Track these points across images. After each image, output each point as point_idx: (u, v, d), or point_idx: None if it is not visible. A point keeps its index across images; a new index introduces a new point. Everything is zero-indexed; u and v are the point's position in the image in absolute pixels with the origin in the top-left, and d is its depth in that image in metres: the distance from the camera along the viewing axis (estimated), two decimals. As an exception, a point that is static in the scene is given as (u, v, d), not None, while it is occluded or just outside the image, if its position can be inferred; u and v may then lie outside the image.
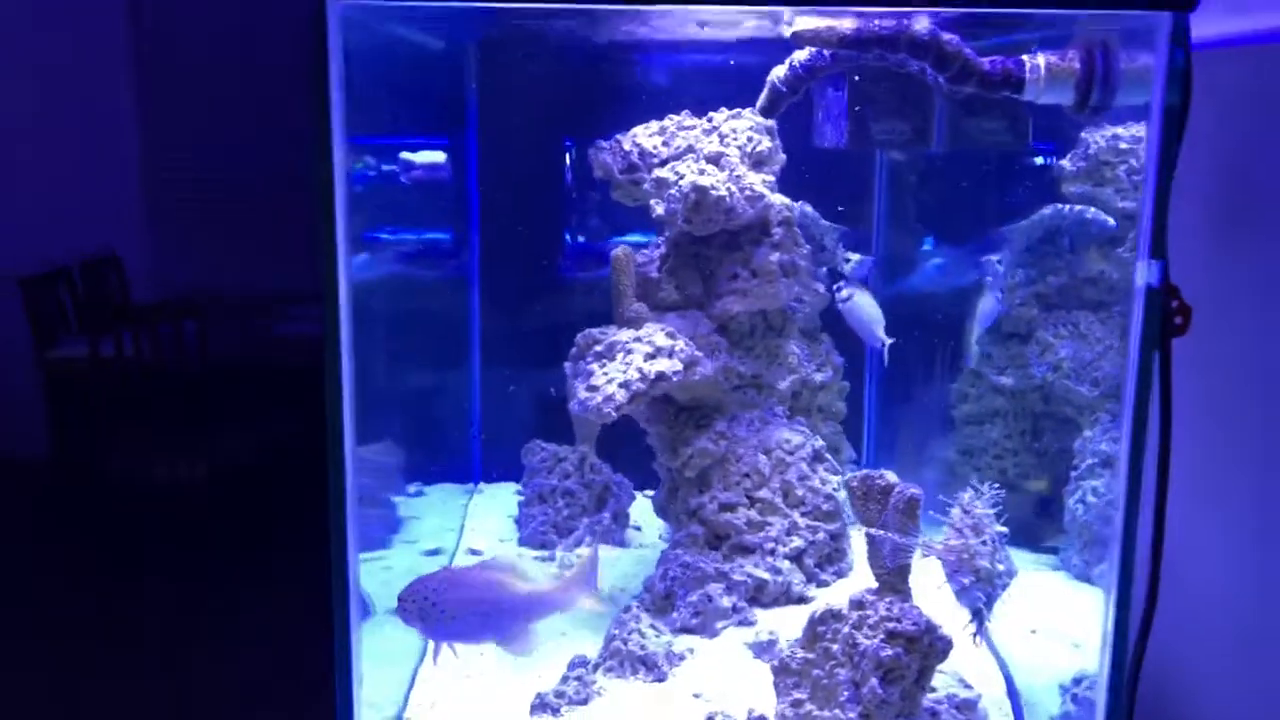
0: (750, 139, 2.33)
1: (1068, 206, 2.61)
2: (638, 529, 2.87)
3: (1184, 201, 1.67)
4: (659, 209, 2.28)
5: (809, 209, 2.70)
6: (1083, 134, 2.65)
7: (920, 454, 2.88)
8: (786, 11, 1.81)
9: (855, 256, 2.73)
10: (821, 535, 2.37)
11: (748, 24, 2.04)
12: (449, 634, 1.89)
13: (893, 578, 1.82)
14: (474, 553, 2.74)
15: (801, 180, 2.56)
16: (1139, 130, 2.63)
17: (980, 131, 2.52)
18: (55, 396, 5.83)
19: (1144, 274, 1.61)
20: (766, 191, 2.32)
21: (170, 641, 4.13)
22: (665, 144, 2.43)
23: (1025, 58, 1.89)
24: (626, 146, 2.47)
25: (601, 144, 2.51)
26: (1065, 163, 2.66)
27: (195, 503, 5.32)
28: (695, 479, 2.35)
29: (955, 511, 1.88)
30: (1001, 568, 1.96)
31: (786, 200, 2.44)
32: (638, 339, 2.20)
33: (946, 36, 1.82)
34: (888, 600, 1.81)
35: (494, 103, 2.97)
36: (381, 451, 2.59)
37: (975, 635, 1.87)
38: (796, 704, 1.83)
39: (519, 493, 2.90)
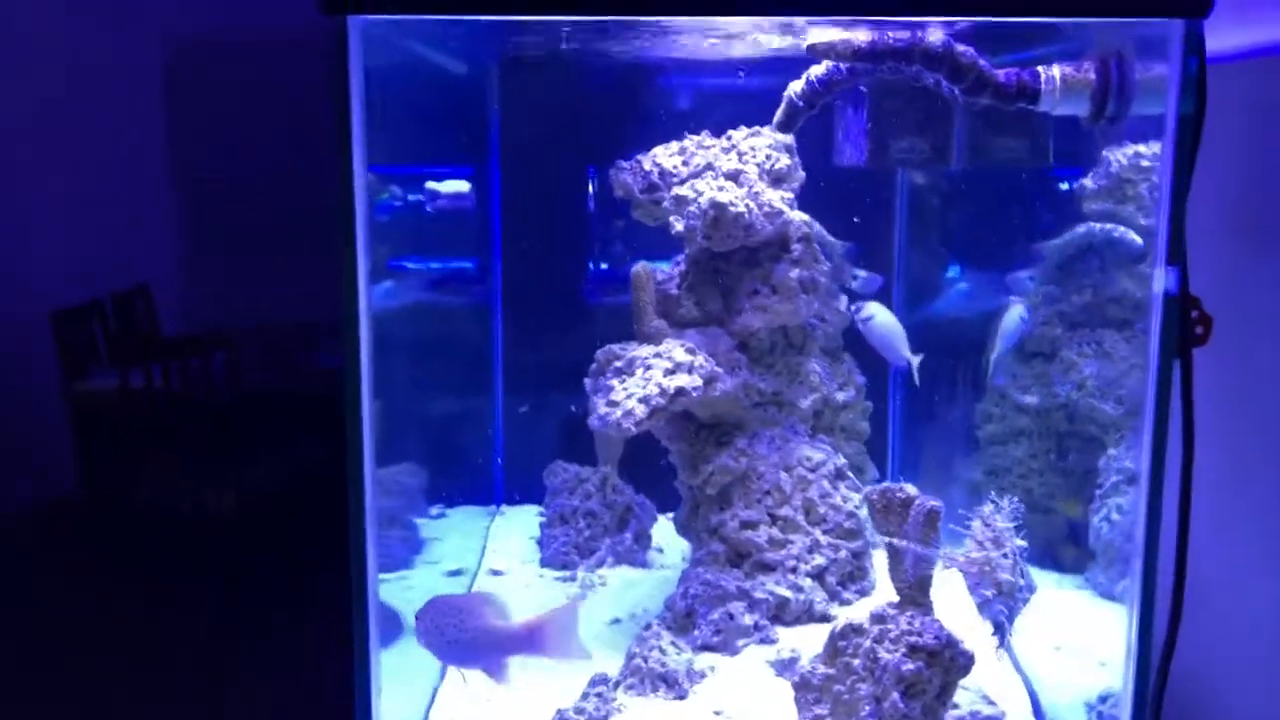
0: (769, 156, 2.34)
1: (1099, 225, 2.59)
2: (660, 551, 2.87)
3: (1206, 213, 1.67)
4: (678, 225, 2.29)
5: (816, 225, 2.70)
6: (1104, 152, 2.65)
7: (944, 474, 2.86)
8: (801, 23, 1.83)
9: (862, 273, 2.73)
10: (844, 553, 2.35)
11: (772, 43, 2.06)
12: (448, 657, 1.93)
13: (914, 591, 1.81)
14: (496, 573, 2.74)
15: (820, 199, 2.57)
16: (1160, 147, 2.63)
17: (1000, 149, 2.53)
18: (84, 428, 5.88)
19: (1162, 281, 1.60)
20: (786, 208, 2.33)
21: (200, 668, 4.13)
22: (685, 163, 2.44)
23: (1040, 69, 1.89)
24: (647, 166, 2.48)
25: (622, 164, 2.53)
26: (1087, 181, 2.65)
27: (225, 532, 5.34)
28: (716, 496, 2.35)
29: (976, 524, 1.87)
30: (1022, 581, 1.95)
31: (806, 217, 2.44)
32: (657, 355, 2.21)
33: (961, 48, 1.83)
34: (909, 614, 1.79)
35: (516, 125, 3.00)
36: (403, 473, 2.60)
37: (997, 648, 1.85)
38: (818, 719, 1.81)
39: (541, 514, 2.90)
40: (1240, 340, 1.97)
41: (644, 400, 2.13)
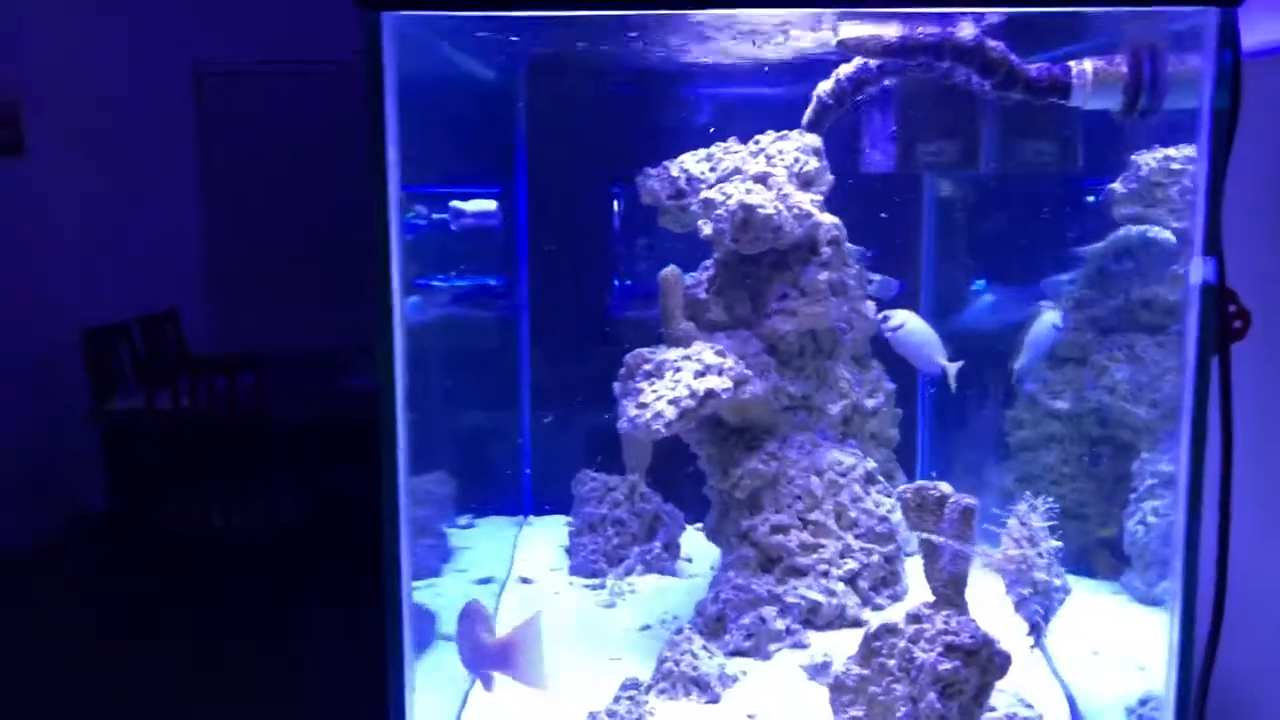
0: (797, 159, 2.34)
1: (1135, 227, 2.57)
2: (689, 560, 2.85)
3: (1241, 211, 1.65)
4: (707, 229, 2.29)
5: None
6: (1133, 156, 2.64)
7: (975, 481, 2.83)
8: (832, 17, 1.83)
9: (877, 277, 2.71)
10: (876, 558, 2.33)
11: (803, 43, 2.05)
12: (463, 662, 1.99)
13: (949, 591, 1.79)
14: (525, 581, 2.73)
15: (843, 206, 2.56)
16: (1191, 151, 2.61)
17: (1029, 152, 2.52)
18: (112, 449, 5.92)
19: (1199, 271, 1.59)
20: (815, 210, 2.32)
21: (226, 683, 4.15)
22: (712, 169, 2.45)
23: (1071, 63, 1.88)
24: (674, 173, 2.50)
25: (649, 171, 2.54)
26: (1117, 185, 2.64)
27: (252, 548, 5.36)
28: (746, 501, 2.33)
29: (1012, 522, 1.85)
30: (1058, 582, 1.93)
31: (835, 220, 2.43)
32: (686, 357, 2.20)
33: (991, 43, 1.83)
34: (945, 614, 1.77)
35: (543, 133, 3.01)
36: (433, 482, 2.60)
37: (1032, 647, 1.83)
38: (852, 721, 1.79)
39: (569, 523, 2.89)
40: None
41: (673, 402, 2.12)
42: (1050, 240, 2.78)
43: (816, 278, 2.37)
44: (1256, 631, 2.07)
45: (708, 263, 2.51)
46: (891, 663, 1.78)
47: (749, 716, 2.00)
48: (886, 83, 2.42)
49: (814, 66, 2.35)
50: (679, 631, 2.17)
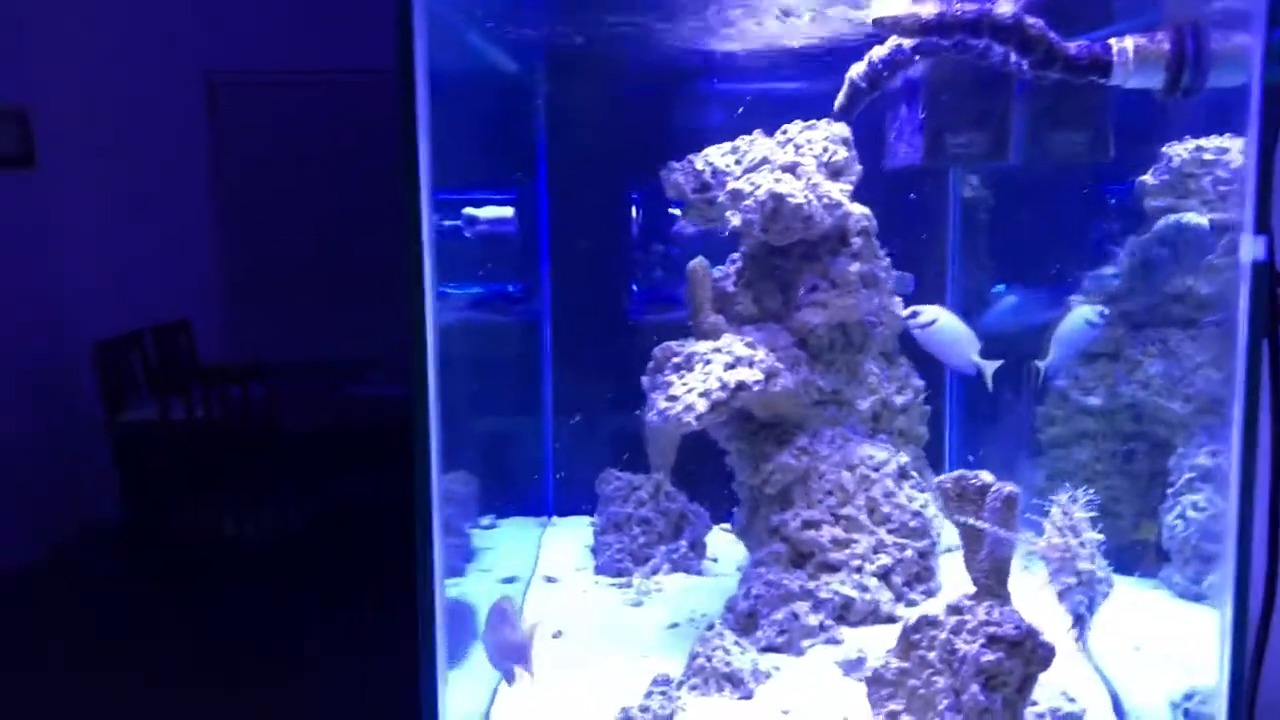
0: (826, 149, 2.31)
1: (1174, 217, 2.53)
2: (714, 560, 2.81)
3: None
4: (735, 220, 2.26)
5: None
6: (1164, 148, 2.60)
7: (1006, 479, 2.78)
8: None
9: (894, 273, 2.67)
10: (909, 553, 2.29)
11: (832, 25, 2.02)
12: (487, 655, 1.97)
13: (991, 581, 1.74)
14: (550, 580, 2.69)
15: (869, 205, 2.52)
16: (1222, 141, 2.58)
17: (1060, 143, 2.48)
18: (125, 459, 5.90)
19: (1250, 249, 1.55)
20: (845, 200, 2.29)
21: (239, 694, 4.10)
22: (738, 162, 2.42)
23: (1112, 41, 1.85)
24: (699, 166, 2.46)
25: (673, 164, 2.51)
26: (1148, 177, 2.60)
27: (264, 558, 5.32)
28: (777, 496, 2.30)
29: (1055, 511, 1.81)
30: (1102, 574, 1.88)
31: (865, 210, 2.40)
32: (716, 349, 2.17)
33: (1030, 20, 1.79)
34: (986, 604, 1.73)
35: (562, 125, 2.99)
36: (456, 481, 2.56)
37: (1077, 640, 1.79)
38: (892, 715, 1.75)
39: (593, 523, 2.86)
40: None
41: (704, 395, 2.09)
42: (1082, 235, 2.75)
43: (847, 269, 2.33)
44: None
45: (735, 255, 2.47)
46: (932, 655, 1.74)
47: (783, 712, 1.95)
48: (913, 73, 2.40)
49: (843, 55, 2.31)
50: (710, 627, 2.13)
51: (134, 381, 6.04)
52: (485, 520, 2.94)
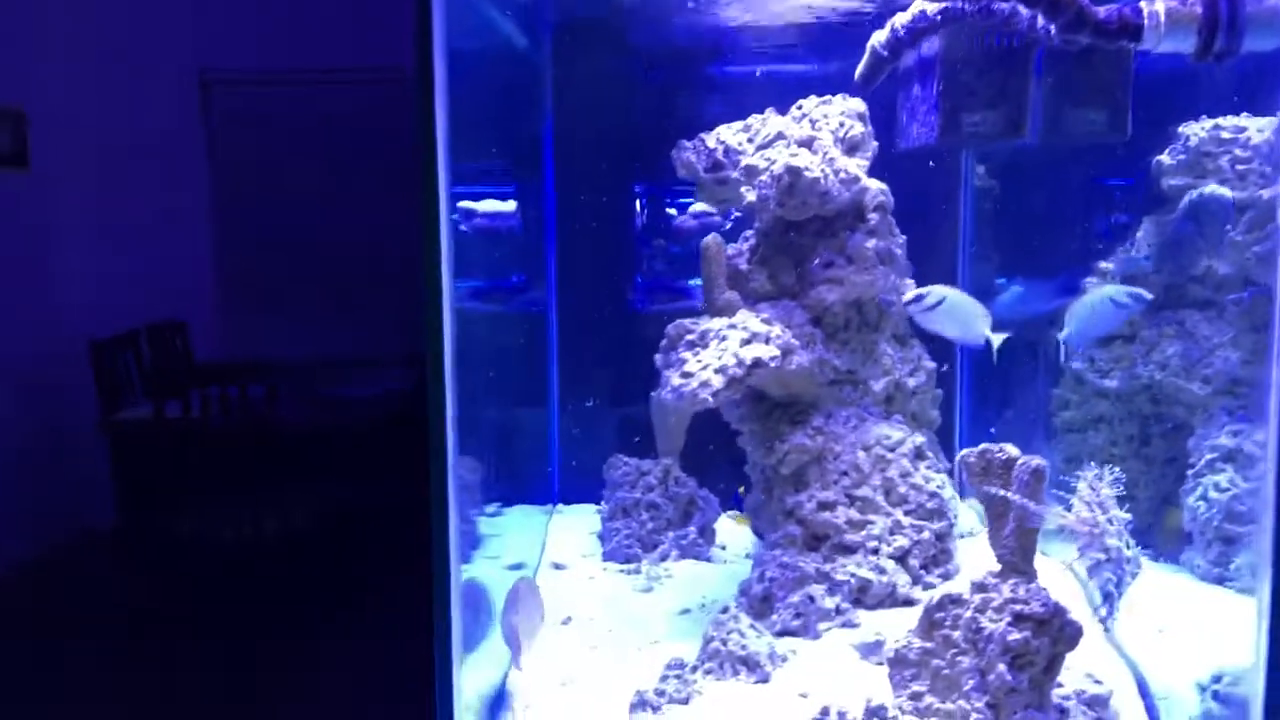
0: (842, 124, 2.27)
1: (1197, 192, 2.48)
2: (723, 547, 2.77)
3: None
4: (750, 195, 2.21)
5: None
6: (1180, 128, 2.57)
7: (1020, 463, 2.75)
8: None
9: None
10: (927, 535, 2.25)
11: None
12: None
13: (1016, 558, 1.70)
14: (558, 567, 2.65)
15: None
16: (1241, 120, 2.54)
17: (1077, 122, 2.44)
18: (120, 458, 5.84)
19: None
20: (862, 175, 2.24)
21: (236, 696, 4.05)
22: (750, 140, 2.37)
23: (1143, 4, 1.81)
24: (711, 144, 2.42)
25: (684, 143, 2.46)
26: (1164, 157, 2.57)
27: (260, 559, 5.27)
28: (791, 477, 2.25)
29: (1082, 486, 1.76)
30: (1130, 553, 1.84)
31: (882, 185, 2.35)
32: (732, 325, 2.12)
33: (1060, -17, 1.75)
34: (1012, 581, 1.69)
35: (569, 101, 2.94)
36: (463, 468, 2.52)
37: (1106, 619, 1.74)
38: (916, 697, 1.71)
39: (599, 509, 2.81)
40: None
41: (720, 370, 2.04)
42: (1099, 218, 2.71)
43: (864, 245, 2.29)
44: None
45: (748, 233, 2.43)
46: (956, 634, 1.69)
47: (801, 696, 1.91)
48: (926, 51, 2.35)
49: (860, 30, 2.27)
50: (724, 610, 2.08)
51: (129, 382, 5.99)
52: (490, 508, 2.90)
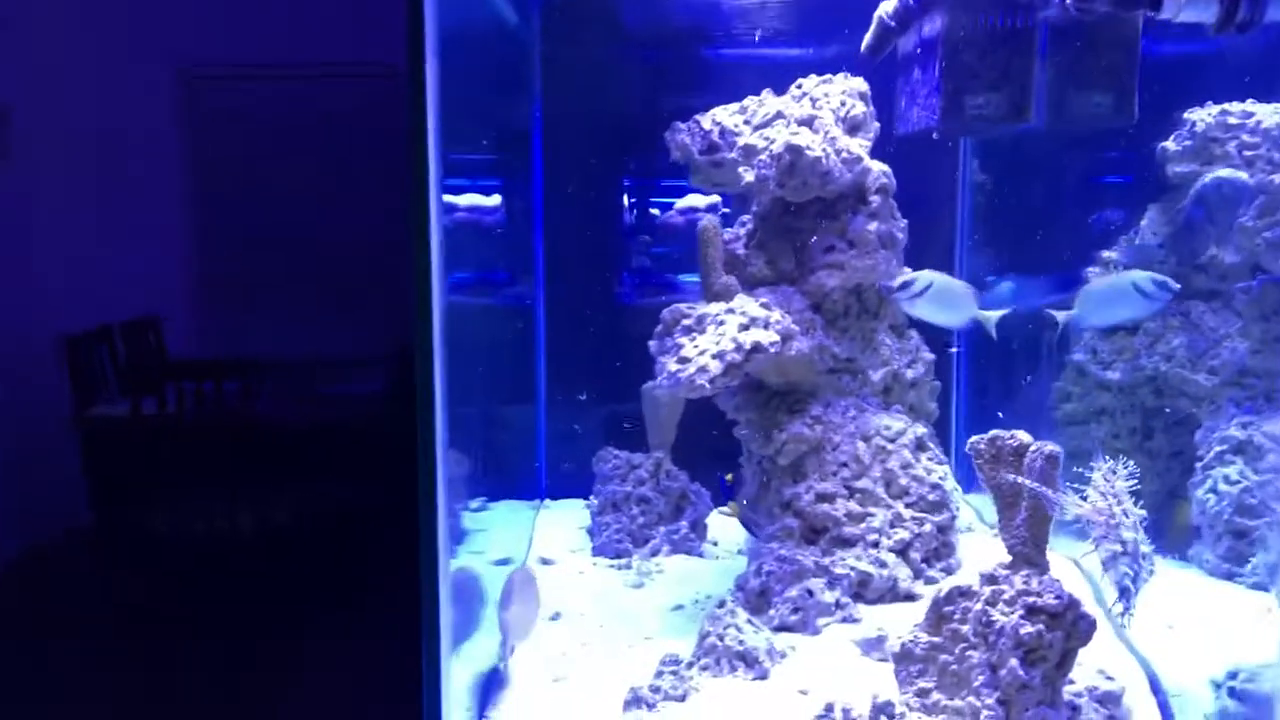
0: (843, 103, 2.20)
1: (1211, 176, 2.41)
2: (714, 543, 2.69)
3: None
4: (748, 175, 2.14)
5: None
6: (1186, 114, 2.51)
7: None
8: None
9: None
10: (928, 527, 2.18)
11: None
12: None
13: (1029, 549, 1.63)
14: (546, 562, 2.56)
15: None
16: (1248, 105, 2.49)
17: (1082, 105, 2.38)
18: (92, 455, 5.74)
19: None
20: (864, 155, 2.17)
21: (215, 697, 3.96)
22: (747, 122, 2.30)
23: (1163, -30, 1.75)
24: (706, 125, 2.34)
25: (679, 125, 2.38)
26: (1169, 144, 2.51)
27: (237, 558, 5.18)
28: (789, 468, 2.18)
29: (1097, 476, 1.69)
30: (1146, 548, 1.77)
31: (884, 167, 2.28)
32: (729, 310, 2.05)
33: (1076, -51, 1.68)
34: (1024, 573, 1.62)
35: (559, 81, 2.87)
36: (448, 461, 2.44)
37: (1123, 613, 1.67)
38: (922, 693, 1.63)
39: (588, 504, 2.73)
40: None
41: (718, 356, 1.97)
42: (1102, 206, 2.66)
43: (865, 228, 2.22)
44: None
45: (745, 217, 2.35)
46: (966, 628, 1.62)
47: (801, 693, 1.83)
48: (928, 32, 2.29)
49: (860, 9, 2.21)
50: (721, 605, 2.00)
51: (103, 376, 5.89)
52: (475, 503, 2.81)
